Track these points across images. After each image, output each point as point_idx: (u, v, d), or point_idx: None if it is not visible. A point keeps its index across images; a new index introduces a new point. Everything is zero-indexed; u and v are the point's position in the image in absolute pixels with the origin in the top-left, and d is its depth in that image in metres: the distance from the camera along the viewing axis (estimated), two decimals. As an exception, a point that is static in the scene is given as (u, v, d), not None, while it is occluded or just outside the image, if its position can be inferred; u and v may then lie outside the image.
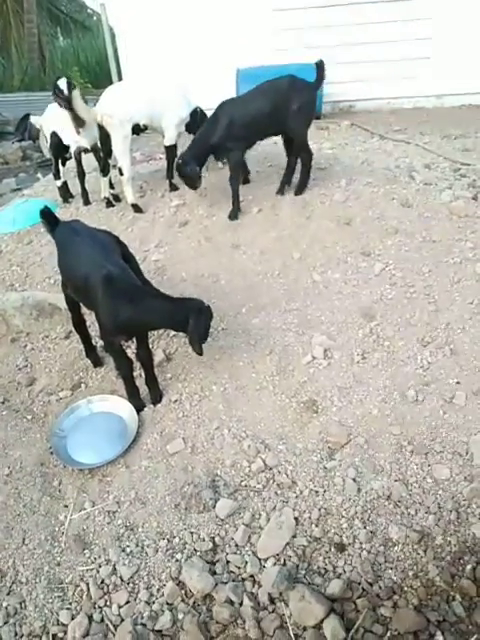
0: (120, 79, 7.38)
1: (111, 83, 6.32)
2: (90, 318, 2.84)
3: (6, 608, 1.83)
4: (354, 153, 5.00)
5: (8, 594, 1.88)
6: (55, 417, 2.61)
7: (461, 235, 3.37)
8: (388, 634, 1.68)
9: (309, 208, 3.85)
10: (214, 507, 2.04)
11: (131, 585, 1.86)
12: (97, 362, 2.89)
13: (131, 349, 2.74)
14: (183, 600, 1.81)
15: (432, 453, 2.14)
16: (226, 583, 1.82)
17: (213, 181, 4.45)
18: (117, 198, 4.57)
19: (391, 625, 1.69)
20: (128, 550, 1.96)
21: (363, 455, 2.17)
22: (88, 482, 2.27)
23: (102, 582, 1.88)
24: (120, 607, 1.81)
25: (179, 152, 4.07)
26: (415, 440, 2.19)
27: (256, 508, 2.04)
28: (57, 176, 4.65)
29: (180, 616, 1.76)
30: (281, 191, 4.09)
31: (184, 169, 3.83)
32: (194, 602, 1.80)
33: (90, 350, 2.89)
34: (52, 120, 4.33)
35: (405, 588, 1.78)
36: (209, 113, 3.97)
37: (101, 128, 4.00)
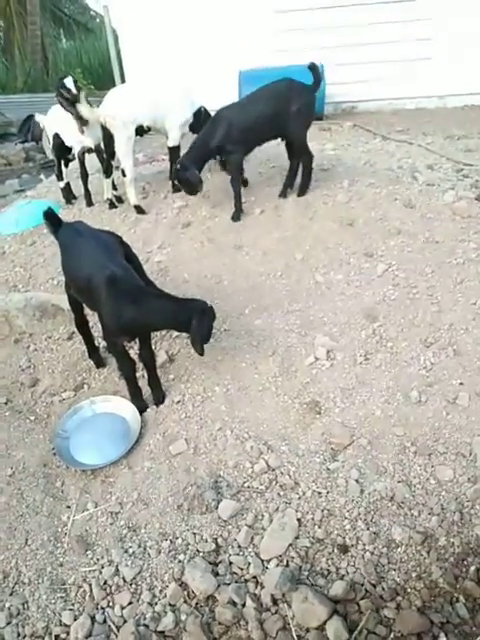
0: (123, 81, 7.42)
1: (114, 85, 6.36)
2: (93, 319, 2.85)
3: (9, 609, 1.83)
4: (357, 154, 4.99)
5: (11, 595, 1.88)
6: (58, 418, 2.62)
7: (464, 236, 3.36)
8: (391, 636, 1.67)
9: (312, 209, 3.85)
10: (217, 508, 2.04)
11: (134, 586, 1.86)
12: (100, 363, 2.90)
13: (134, 350, 2.74)
14: (186, 601, 1.81)
15: (435, 454, 2.13)
16: (229, 584, 1.82)
17: (216, 182, 4.45)
18: (120, 199, 4.58)
19: (394, 627, 1.69)
20: (131, 551, 1.96)
21: (366, 456, 2.16)
22: (91, 483, 2.28)
23: (105, 583, 1.88)
24: (123, 608, 1.81)
25: (182, 153, 4.08)
26: (418, 441, 2.18)
27: (259, 509, 2.03)
28: (60, 177, 4.67)
29: (183, 617, 1.76)
30: (284, 194, 4.09)
31: (183, 174, 3.83)
32: (197, 603, 1.80)
33: (93, 351, 2.90)
34: (55, 121, 4.36)
35: (408, 589, 1.77)
36: (213, 114, 3.98)
37: (104, 129, 4.02)
